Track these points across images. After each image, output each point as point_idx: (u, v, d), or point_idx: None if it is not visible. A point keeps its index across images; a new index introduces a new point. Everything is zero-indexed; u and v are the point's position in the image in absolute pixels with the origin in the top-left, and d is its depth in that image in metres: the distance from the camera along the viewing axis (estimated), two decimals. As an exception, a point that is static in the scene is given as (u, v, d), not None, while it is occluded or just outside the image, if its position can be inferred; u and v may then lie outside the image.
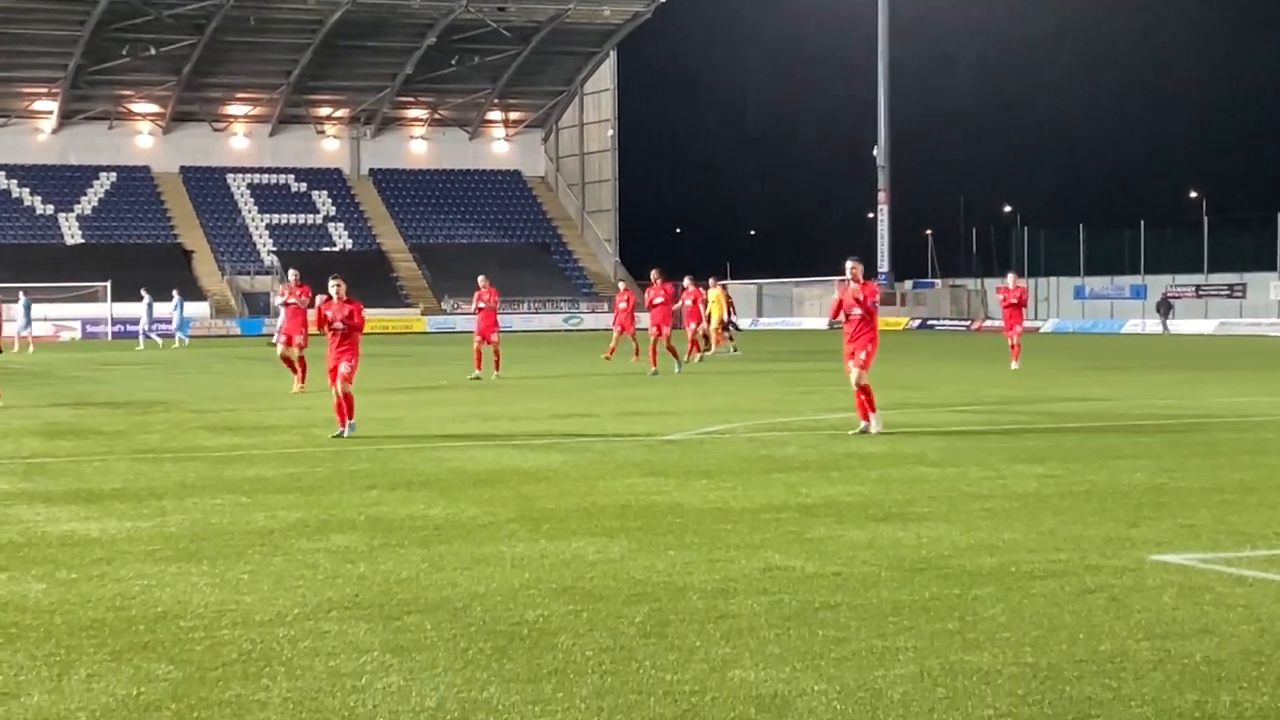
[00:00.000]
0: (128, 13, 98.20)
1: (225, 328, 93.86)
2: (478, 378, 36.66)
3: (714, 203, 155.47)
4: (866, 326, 21.67)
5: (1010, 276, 42.08)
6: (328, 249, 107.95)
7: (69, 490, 16.37)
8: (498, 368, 37.72)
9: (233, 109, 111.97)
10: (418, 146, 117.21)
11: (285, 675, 8.42)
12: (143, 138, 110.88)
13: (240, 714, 7.69)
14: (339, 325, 22.20)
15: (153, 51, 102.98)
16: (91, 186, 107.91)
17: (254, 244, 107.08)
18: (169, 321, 70.78)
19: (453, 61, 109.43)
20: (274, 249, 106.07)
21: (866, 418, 21.51)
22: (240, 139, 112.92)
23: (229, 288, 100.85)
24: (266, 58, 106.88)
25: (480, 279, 38.98)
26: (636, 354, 45.11)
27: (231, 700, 7.94)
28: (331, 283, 22.63)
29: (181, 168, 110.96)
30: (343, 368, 22.08)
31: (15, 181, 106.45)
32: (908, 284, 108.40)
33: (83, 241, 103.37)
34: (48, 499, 15.66)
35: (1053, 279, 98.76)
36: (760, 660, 8.64)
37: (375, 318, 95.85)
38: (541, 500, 15.13)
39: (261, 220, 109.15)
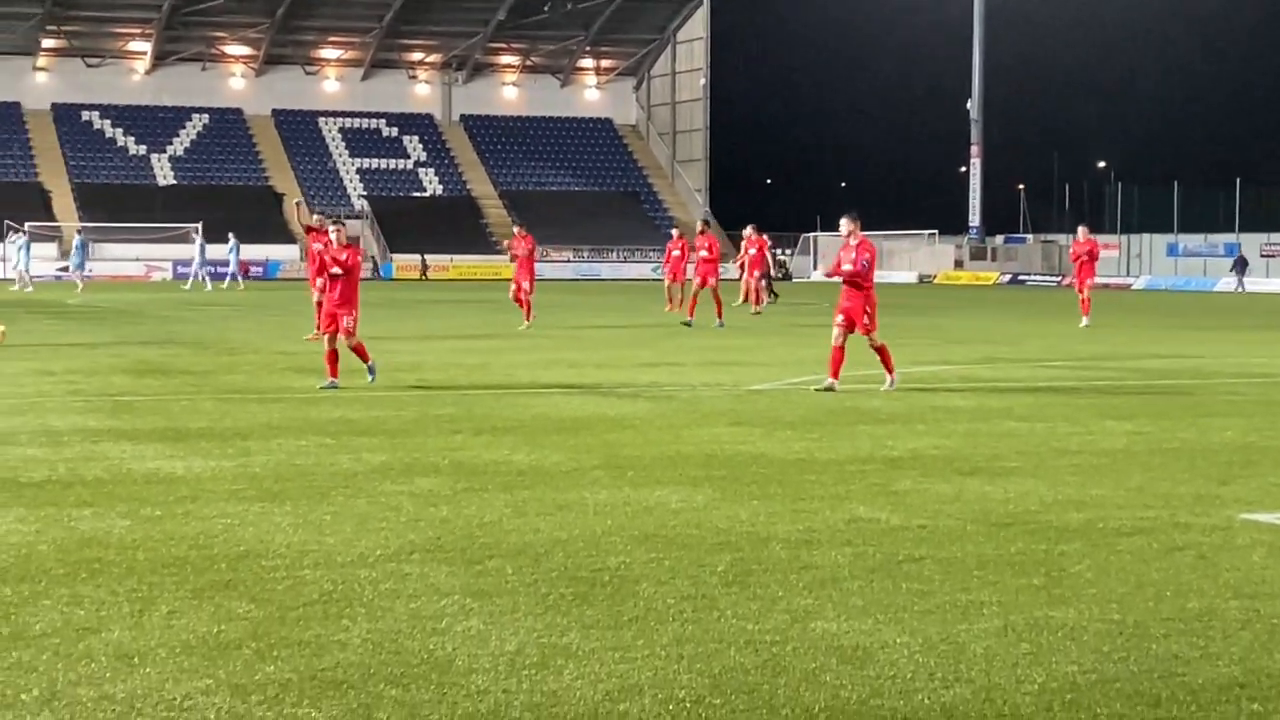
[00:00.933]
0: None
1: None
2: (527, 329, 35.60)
3: (805, 154, 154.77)
4: (865, 283, 21.11)
5: (1081, 229, 40.85)
6: (418, 194, 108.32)
7: (155, 428, 16.48)
8: (527, 317, 36.13)
9: (325, 52, 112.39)
10: (509, 93, 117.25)
11: (365, 616, 8.43)
12: (235, 80, 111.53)
13: (319, 654, 7.70)
14: (336, 271, 21.27)
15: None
16: (184, 128, 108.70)
17: (344, 188, 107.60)
18: (227, 264, 71.15)
19: (545, 8, 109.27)
20: (364, 193, 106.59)
21: (836, 374, 20.73)
22: (332, 82, 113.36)
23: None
24: (359, 1, 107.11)
25: (515, 228, 38.63)
26: (670, 304, 43.81)
27: (311, 640, 7.95)
28: (331, 227, 21.85)
29: (273, 110, 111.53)
30: (345, 322, 20.98)
31: (109, 122, 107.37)
32: (999, 239, 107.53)
33: (175, 182, 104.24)
34: (134, 437, 15.77)
35: (1146, 236, 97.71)
36: (843, 612, 8.57)
37: (464, 264, 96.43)
38: (626, 448, 15.09)
39: (352, 164, 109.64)
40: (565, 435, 16.07)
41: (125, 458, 14.31)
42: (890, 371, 21.15)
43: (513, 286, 36.90)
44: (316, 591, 9.00)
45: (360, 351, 21.20)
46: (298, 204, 35.08)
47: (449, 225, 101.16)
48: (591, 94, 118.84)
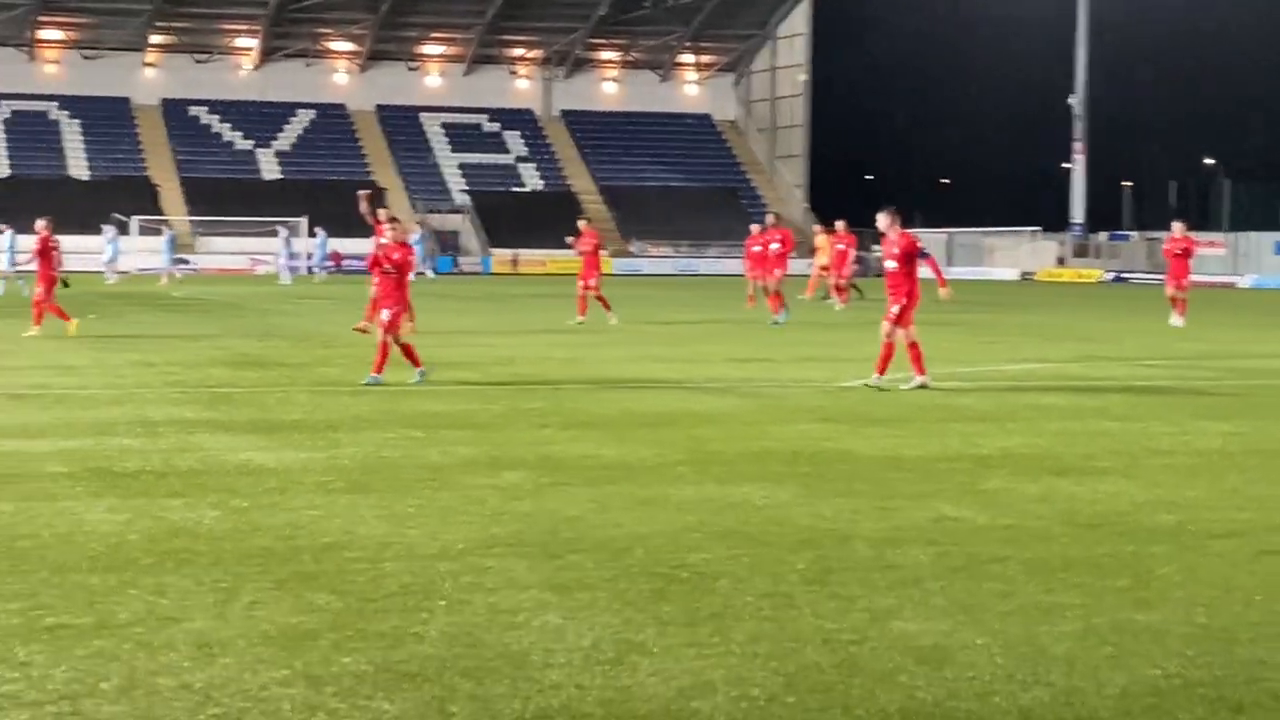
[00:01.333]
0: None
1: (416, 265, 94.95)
2: (581, 323, 35.19)
3: (906, 150, 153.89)
4: (903, 279, 20.79)
5: (1176, 225, 39.85)
6: (518, 189, 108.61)
7: (249, 420, 16.62)
8: (607, 308, 35.57)
9: (427, 49, 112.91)
10: (609, 88, 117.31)
11: (444, 609, 8.44)
12: (339, 76, 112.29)
13: (396, 646, 7.72)
14: (389, 268, 20.83)
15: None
16: (289, 123, 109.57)
17: (445, 183, 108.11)
18: (310, 257, 71.55)
19: (645, 3, 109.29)
20: (465, 188, 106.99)
21: (883, 370, 20.53)
22: (434, 78, 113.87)
23: (420, 226, 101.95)
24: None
25: (580, 223, 38.45)
26: (751, 299, 43.39)
27: (388, 632, 7.97)
28: (387, 226, 21.74)
29: (377, 106, 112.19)
30: (382, 315, 20.63)
31: (217, 117, 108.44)
32: (1102, 236, 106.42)
33: (280, 177, 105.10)
34: (229, 428, 15.91)
35: (1254, 234, 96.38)
36: (922, 611, 8.49)
37: (562, 258, 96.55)
38: (712, 443, 15.04)
39: (453, 159, 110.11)
40: (652, 430, 16.03)
41: (219, 449, 14.43)
42: (920, 370, 20.62)
43: (579, 283, 36.35)
44: (396, 584, 9.03)
45: (408, 352, 20.72)
46: (363, 194, 34.64)
47: (548, 220, 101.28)
48: (691, 89, 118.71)
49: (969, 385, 21.18)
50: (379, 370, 20.41)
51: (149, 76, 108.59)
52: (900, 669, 7.37)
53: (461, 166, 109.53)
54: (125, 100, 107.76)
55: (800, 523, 11.00)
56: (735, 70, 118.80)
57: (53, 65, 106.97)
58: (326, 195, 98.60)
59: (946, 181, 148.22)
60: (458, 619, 8.24)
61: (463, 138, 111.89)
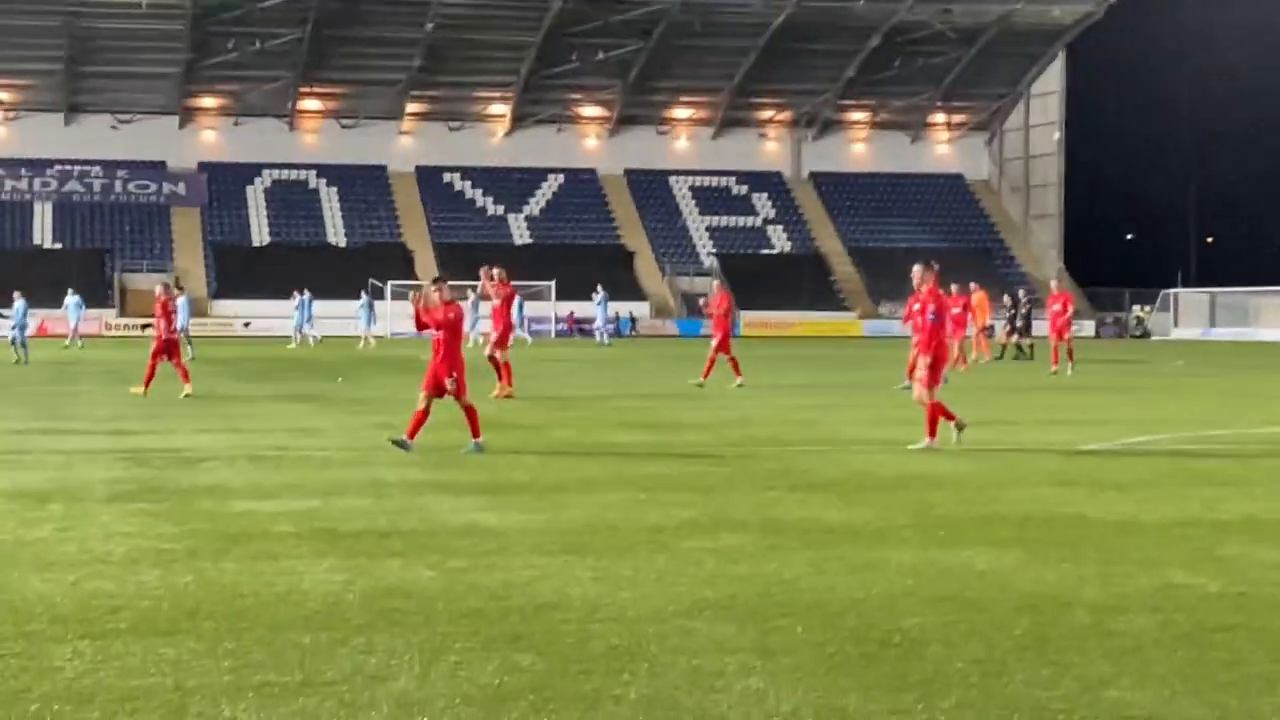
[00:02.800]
0: (578, 18, 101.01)
1: (663, 327, 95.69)
2: (700, 385, 34.40)
3: (1168, 208, 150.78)
4: (928, 337, 20.47)
5: None
6: (765, 251, 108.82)
7: (476, 481, 16.82)
8: (737, 373, 34.82)
9: (676, 112, 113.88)
10: (858, 149, 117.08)
11: (647, 672, 8.41)
12: (589, 140, 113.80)
13: (594, 708, 7.71)
14: (435, 331, 20.20)
15: (601, 56, 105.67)
16: (540, 188, 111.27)
17: (693, 245, 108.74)
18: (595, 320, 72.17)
19: (895, 64, 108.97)
20: (713, 250, 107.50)
21: (932, 433, 20.34)
22: (683, 142, 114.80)
23: (668, 288, 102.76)
24: (710, 61, 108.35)
25: (714, 283, 38.11)
26: (964, 361, 43.04)
27: (589, 694, 7.97)
28: (431, 286, 20.53)
29: (626, 170, 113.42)
30: (449, 384, 19.94)
31: (469, 183, 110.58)
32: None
33: (530, 241, 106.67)
34: (455, 489, 16.12)
35: None
36: (1140, 680, 8.24)
37: (810, 321, 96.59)
38: (940, 507, 14.83)
39: (701, 222, 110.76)
40: (880, 493, 15.88)
41: (443, 510, 14.62)
42: (931, 435, 20.38)
43: (715, 342, 35.34)
44: (603, 645, 9.03)
45: (471, 416, 20.11)
46: (486, 271, 34.12)
47: (796, 281, 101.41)
48: (942, 149, 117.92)
49: (1217, 449, 20.58)
50: (476, 435, 20.04)
51: (404, 144, 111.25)
52: (1108, 741, 7.15)
53: (710, 229, 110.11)
54: (383, 168, 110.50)
55: (1021, 588, 10.77)
56: (987, 129, 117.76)
57: (312, 135, 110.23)
58: (575, 258, 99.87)
59: (1210, 239, 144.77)
60: (659, 681, 8.21)
61: (711, 200, 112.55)
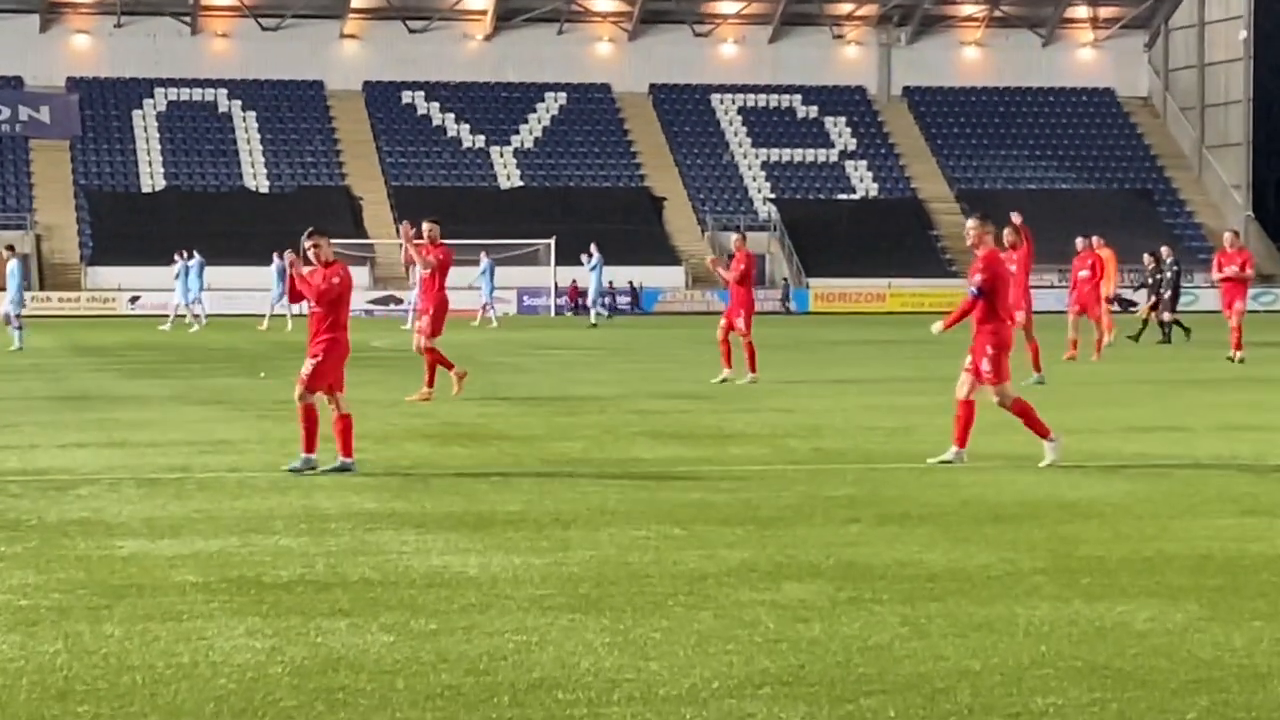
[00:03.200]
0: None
1: (705, 301, 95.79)
2: (725, 380, 34.30)
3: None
4: (982, 316, 20.64)
5: None
6: (844, 196, 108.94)
7: (451, 513, 16.85)
8: (751, 367, 34.32)
9: (721, 6, 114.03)
10: (970, 55, 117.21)
11: (683, 774, 8.46)
12: (601, 45, 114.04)
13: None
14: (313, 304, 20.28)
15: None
16: (534, 112, 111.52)
17: (745, 188, 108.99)
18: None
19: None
20: (771, 195, 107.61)
21: (961, 441, 20.68)
22: (729, 46, 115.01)
23: (710, 247, 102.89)
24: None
25: (734, 239, 37.08)
26: (1098, 349, 43.02)
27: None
28: (306, 241, 20.64)
29: (651, 86, 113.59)
30: (304, 365, 20.13)
31: (437, 105, 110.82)
32: None
33: (520, 184, 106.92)
34: (421, 523, 16.15)
35: None
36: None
37: (908, 289, 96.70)
38: (1085, 545, 14.85)
39: (756, 157, 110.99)
40: (1002, 527, 15.90)
41: (405, 551, 14.65)
42: (1045, 435, 20.67)
43: (722, 323, 35.09)
44: (623, 737, 9.08)
45: (341, 429, 20.19)
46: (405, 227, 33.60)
47: (887, 238, 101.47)
48: (1085, 55, 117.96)
49: None
50: (346, 453, 20.14)
51: (347, 53, 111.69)
52: None
53: (767, 166, 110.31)
54: (318, 85, 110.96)
55: (1198, 655, 10.80)
56: (1147, 28, 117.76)
57: (222, 40, 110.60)
58: (583, 208, 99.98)
59: None
60: (701, 786, 8.25)
61: (769, 127, 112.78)
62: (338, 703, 9.77)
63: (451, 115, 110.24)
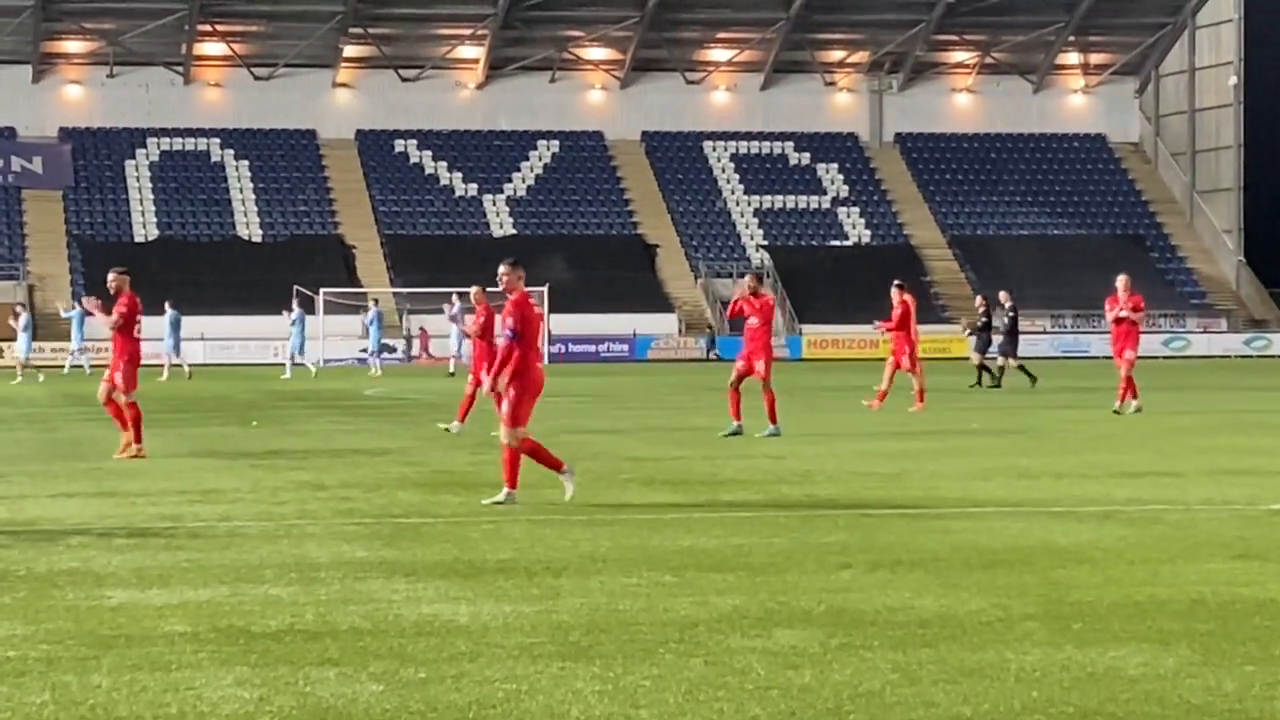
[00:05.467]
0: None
1: (698, 348, 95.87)
2: (736, 432, 33.23)
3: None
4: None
5: None
6: (837, 243, 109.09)
7: (441, 561, 16.83)
8: (772, 418, 33.34)
9: (713, 54, 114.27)
10: (962, 102, 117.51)
11: (672, 822, 8.42)
12: (593, 93, 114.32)
13: None
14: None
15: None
16: (527, 160, 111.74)
17: (737, 234, 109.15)
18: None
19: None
20: (764, 242, 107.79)
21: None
22: (721, 94, 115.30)
23: (703, 294, 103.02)
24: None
25: (746, 279, 36.31)
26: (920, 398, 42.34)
27: None
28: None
29: (643, 133, 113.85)
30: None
31: (429, 154, 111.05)
32: None
33: (513, 232, 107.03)
34: (411, 571, 16.12)
35: None
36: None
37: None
38: (1077, 590, 14.84)
39: (748, 203, 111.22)
40: (994, 572, 15.88)
41: (395, 600, 14.62)
42: (559, 469, 21.76)
43: (739, 365, 34.00)
44: (612, 786, 9.05)
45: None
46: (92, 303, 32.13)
47: (879, 284, 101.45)
48: (1076, 100, 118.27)
49: None
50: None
51: (340, 102, 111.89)
52: None
53: (759, 213, 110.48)
54: (310, 134, 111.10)
55: (1190, 700, 10.78)
56: (1138, 74, 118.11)
57: (215, 90, 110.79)
58: (576, 255, 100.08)
59: None
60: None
61: (761, 174, 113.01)
62: (333, 753, 9.77)
63: (444, 164, 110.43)
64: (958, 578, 15.60)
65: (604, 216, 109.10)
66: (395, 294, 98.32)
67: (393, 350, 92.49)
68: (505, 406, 21.66)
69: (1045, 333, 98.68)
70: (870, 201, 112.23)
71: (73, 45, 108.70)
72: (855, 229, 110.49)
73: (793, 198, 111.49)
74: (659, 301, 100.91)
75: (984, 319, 55.47)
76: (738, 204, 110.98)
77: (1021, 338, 57.81)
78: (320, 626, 13.47)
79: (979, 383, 54.14)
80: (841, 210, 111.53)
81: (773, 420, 33.22)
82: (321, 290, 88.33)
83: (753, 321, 34.11)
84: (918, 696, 10.94)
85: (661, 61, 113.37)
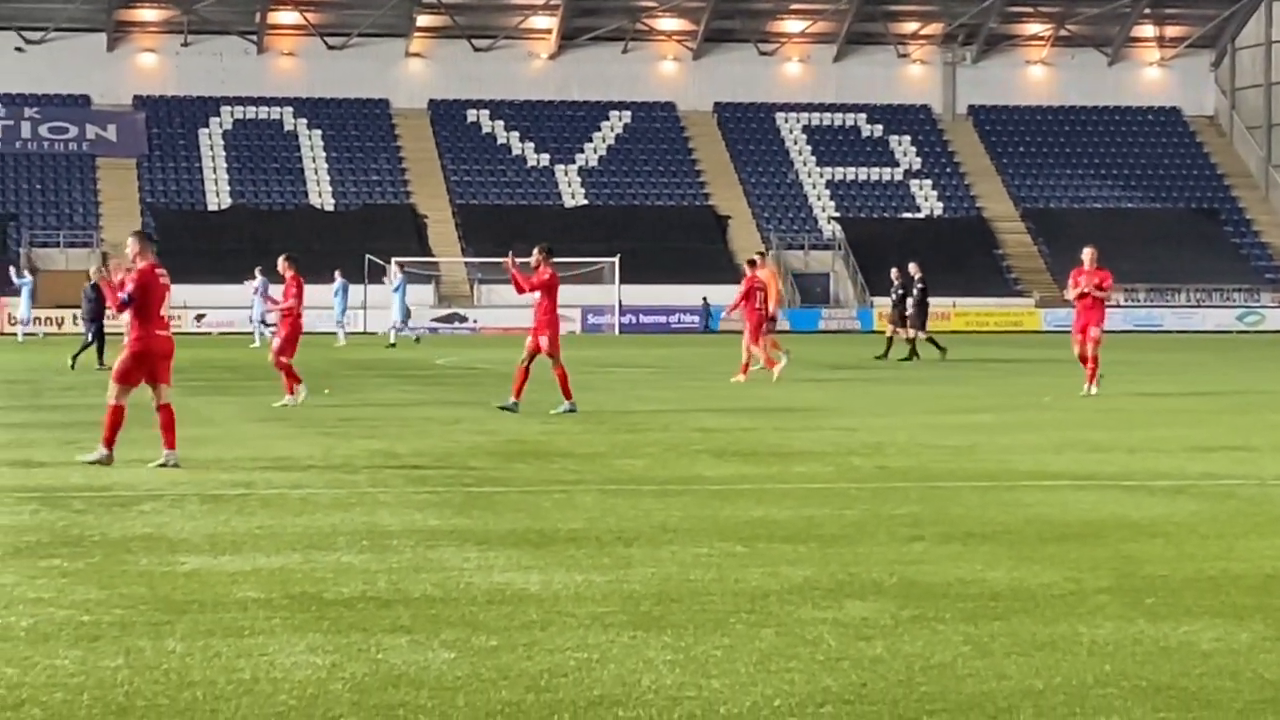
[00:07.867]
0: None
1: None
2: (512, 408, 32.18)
3: None
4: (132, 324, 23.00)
5: None
6: (909, 215, 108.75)
7: (513, 530, 16.83)
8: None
9: (786, 24, 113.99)
10: (1036, 74, 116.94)
11: (743, 791, 8.42)
12: (666, 64, 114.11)
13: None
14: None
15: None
16: (599, 130, 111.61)
17: (809, 207, 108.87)
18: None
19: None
20: (835, 214, 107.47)
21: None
22: (794, 65, 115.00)
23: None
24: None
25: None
26: (744, 370, 41.02)
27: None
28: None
29: (715, 104, 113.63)
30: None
31: (502, 124, 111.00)
32: None
33: (585, 203, 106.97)
34: (484, 540, 16.13)
35: None
36: None
37: (973, 309, 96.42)
38: (1150, 564, 14.76)
39: (820, 175, 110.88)
40: (1067, 545, 15.82)
41: (467, 568, 14.63)
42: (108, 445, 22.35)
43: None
44: (684, 755, 9.05)
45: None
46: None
47: (951, 257, 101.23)
48: (1151, 74, 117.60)
49: None
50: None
51: (413, 71, 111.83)
52: None
53: (832, 185, 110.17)
54: (384, 103, 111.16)
55: (1264, 675, 10.72)
56: (1214, 46, 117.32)
57: (288, 59, 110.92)
58: (647, 227, 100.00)
59: None
60: (760, 804, 8.21)
61: (833, 146, 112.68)
62: (398, 719, 9.77)
63: (516, 134, 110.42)
64: (1030, 550, 15.54)
65: (675, 188, 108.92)
66: (466, 263, 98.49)
67: (464, 320, 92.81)
68: (118, 364, 23.01)
69: (1119, 306, 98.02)
70: (943, 174, 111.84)
71: (147, 14, 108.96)
72: (928, 201, 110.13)
73: (865, 170, 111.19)
74: (730, 273, 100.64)
75: (899, 291, 55.22)
76: (809, 176, 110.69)
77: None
78: (392, 594, 13.49)
79: (885, 355, 54.15)
80: (914, 182, 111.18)
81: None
82: (393, 260, 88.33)
83: (536, 296, 31.96)
84: (989, 669, 10.91)
85: (734, 32, 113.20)
